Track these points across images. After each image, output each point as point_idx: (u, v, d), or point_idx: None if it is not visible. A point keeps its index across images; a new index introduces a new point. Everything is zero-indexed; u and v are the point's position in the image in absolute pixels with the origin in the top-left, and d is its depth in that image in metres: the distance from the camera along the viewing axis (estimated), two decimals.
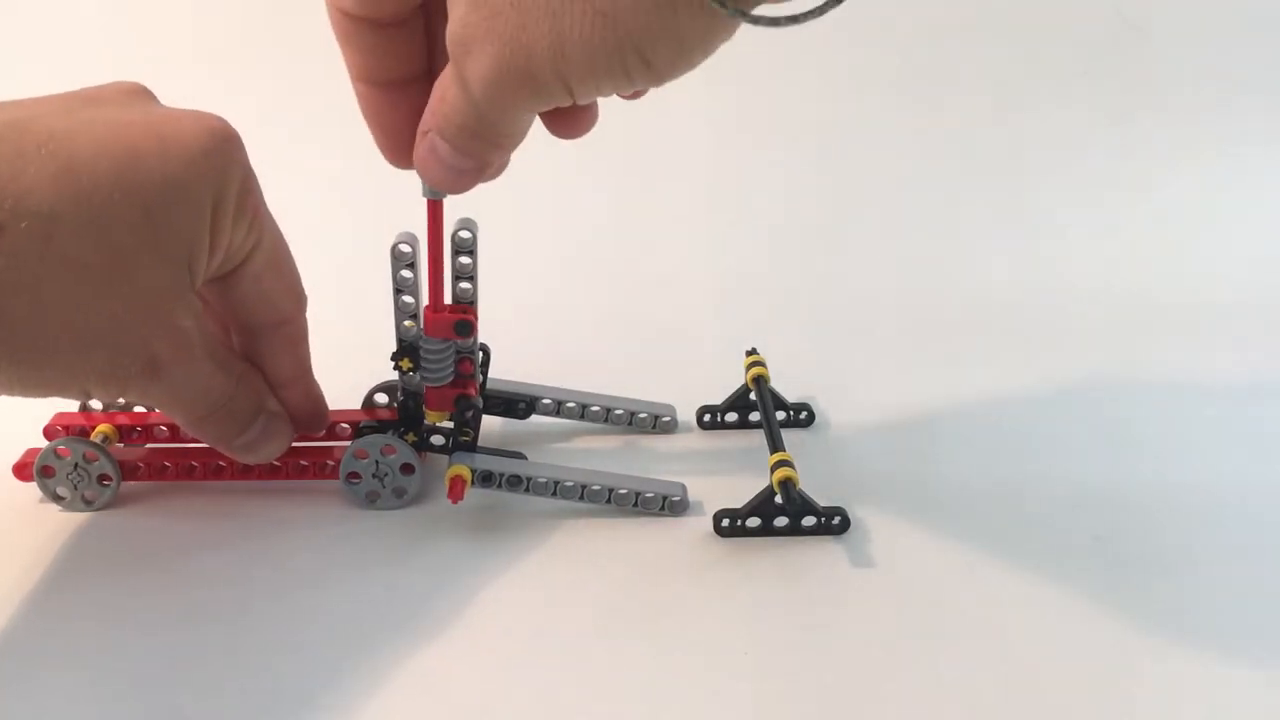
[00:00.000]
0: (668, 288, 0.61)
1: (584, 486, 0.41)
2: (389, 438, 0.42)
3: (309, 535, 0.41)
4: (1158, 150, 0.69)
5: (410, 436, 0.43)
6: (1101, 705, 0.34)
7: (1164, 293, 0.61)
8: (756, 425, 0.47)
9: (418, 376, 0.42)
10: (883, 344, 0.57)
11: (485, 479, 0.41)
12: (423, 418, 0.43)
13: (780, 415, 0.47)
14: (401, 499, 0.42)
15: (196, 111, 0.37)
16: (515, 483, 0.41)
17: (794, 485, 0.40)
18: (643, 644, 0.36)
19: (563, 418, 0.48)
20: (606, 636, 0.36)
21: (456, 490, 0.40)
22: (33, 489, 0.42)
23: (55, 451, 0.41)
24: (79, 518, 0.42)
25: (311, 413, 0.42)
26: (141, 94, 0.38)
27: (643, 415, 0.48)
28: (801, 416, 0.48)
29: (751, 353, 0.49)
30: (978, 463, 0.46)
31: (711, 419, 0.48)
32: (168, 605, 0.37)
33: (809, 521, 0.41)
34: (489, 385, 0.47)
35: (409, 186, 0.37)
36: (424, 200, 0.39)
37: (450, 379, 0.42)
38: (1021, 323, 0.58)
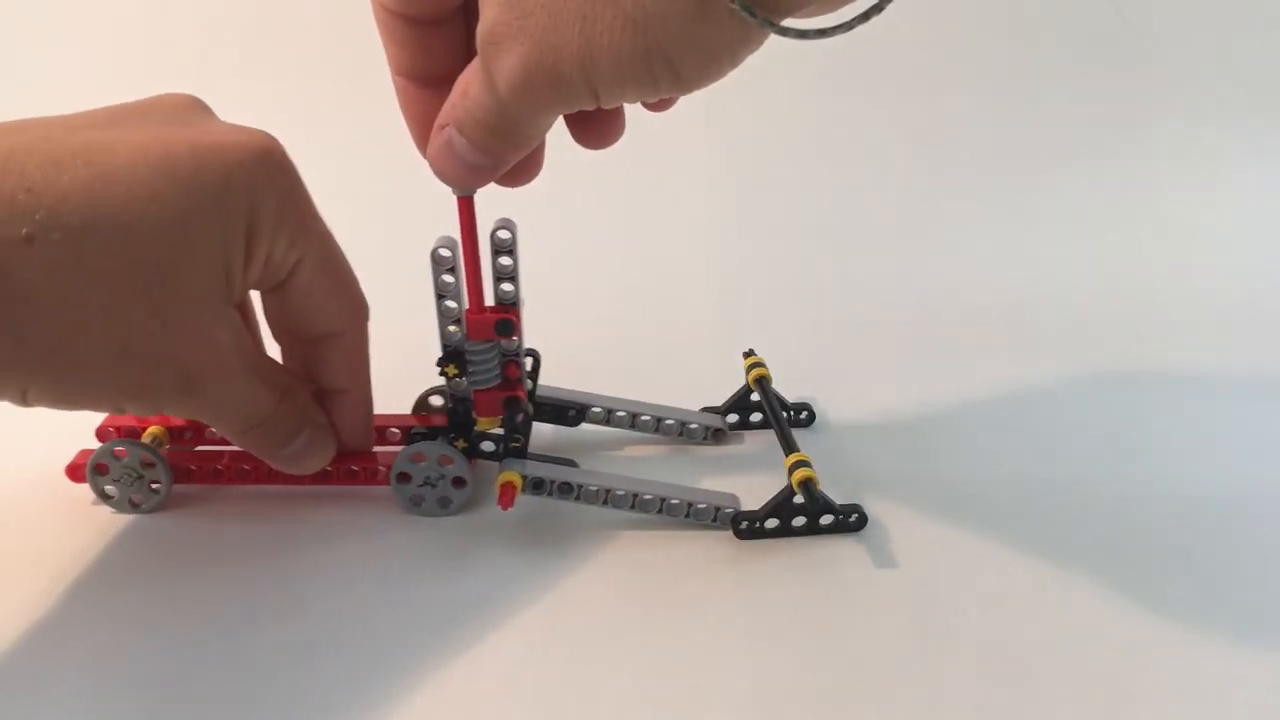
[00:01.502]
0: (666, 289, 0.61)
1: (635, 495, 0.41)
2: (445, 446, 0.41)
3: (357, 541, 0.41)
4: (1157, 150, 0.69)
5: (461, 443, 0.42)
6: (1115, 704, 0.33)
7: (1166, 291, 0.61)
8: (758, 426, 0.48)
9: (464, 382, 0.42)
10: (879, 344, 0.57)
11: (536, 486, 0.41)
12: (473, 423, 0.42)
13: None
14: (446, 509, 0.42)
15: (241, 126, 0.37)
16: (566, 490, 0.41)
17: (815, 485, 0.40)
18: (664, 645, 0.36)
19: (613, 426, 0.47)
20: (623, 637, 0.36)
21: (507, 496, 0.40)
22: (86, 490, 0.42)
23: (110, 453, 0.41)
24: (130, 519, 0.42)
25: (358, 428, 0.42)
26: (194, 107, 0.37)
27: (694, 425, 0.47)
28: (802, 416, 0.48)
29: (750, 354, 0.49)
30: (979, 462, 0.46)
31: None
32: (216, 609, 0.37)
33: (826, 520, 0.41)
34: (538, 392, 0.46)
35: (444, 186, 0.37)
36: (449, 200, 0.38)
37: (497, 381, 0.42)
38: (1021, 322, 0.59)
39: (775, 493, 0.41)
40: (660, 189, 0.67)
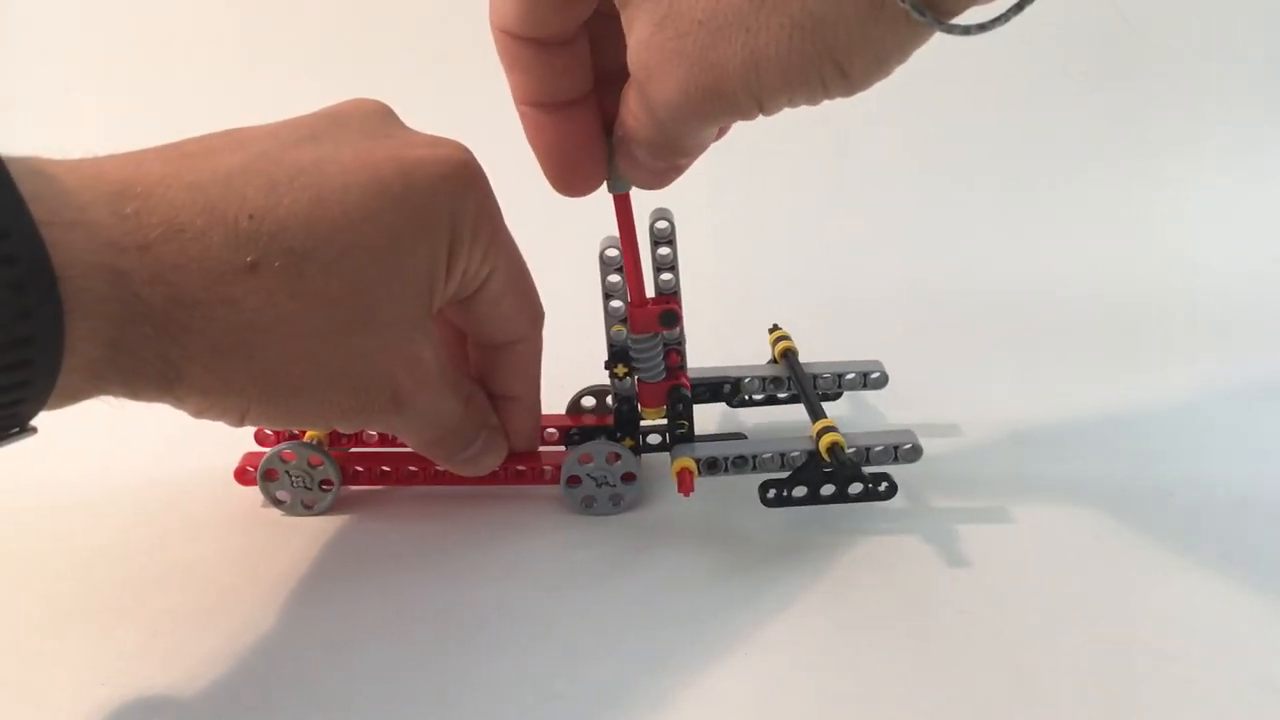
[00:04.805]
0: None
1: (811, 454, 0.40)
2: (612, 445, 0.41)
3: (527, 541, 0.41)
4: (1154, 150, 0.69)
5: (628, 441, 0.42)
6: (1122, 706, 0.33)
7: (1163, 293, 0.62)
8: (785, 401, 0.46)
9: (628, 381, 0.41)
10: (879, 342, 0.54)
11: (711, 466, 0.40)
12: (639, 420, 0.42)
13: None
14: (618, 506, 0.42)
15: (435, 138, 0.36)
16: (741, 464, 0.40)
17: (842, 449, 0.39)
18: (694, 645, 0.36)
19: (767, 393, 0.46)
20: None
21: (686, 483, 0.39)
22: (254, 493, 0.42)
23: (279, 456, 0.42)
24: (299, 522, 0.42)
25: (528, 432, 0.42)
26: (386, 115, 0.37)
27: (851, 375, 0.46)
28: (872, 376, 0.46)
29: (775, 328, 0.48)
30: (984, 461, 0.45)
31: (739, 396, 0.47)
32: (391, 610, 0.37)
33: (855, 488, 0.39)
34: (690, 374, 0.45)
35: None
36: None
37: (662, 374, 0.41)
38: (1022, 320, 0.60)
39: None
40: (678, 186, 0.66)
